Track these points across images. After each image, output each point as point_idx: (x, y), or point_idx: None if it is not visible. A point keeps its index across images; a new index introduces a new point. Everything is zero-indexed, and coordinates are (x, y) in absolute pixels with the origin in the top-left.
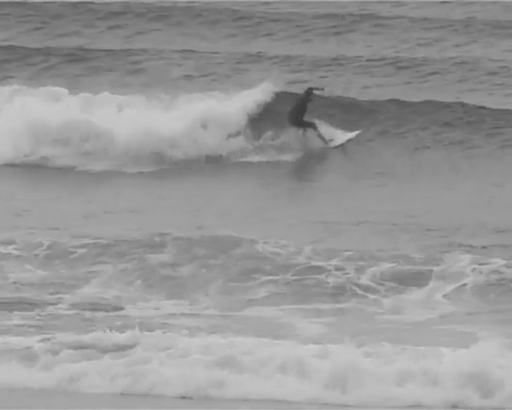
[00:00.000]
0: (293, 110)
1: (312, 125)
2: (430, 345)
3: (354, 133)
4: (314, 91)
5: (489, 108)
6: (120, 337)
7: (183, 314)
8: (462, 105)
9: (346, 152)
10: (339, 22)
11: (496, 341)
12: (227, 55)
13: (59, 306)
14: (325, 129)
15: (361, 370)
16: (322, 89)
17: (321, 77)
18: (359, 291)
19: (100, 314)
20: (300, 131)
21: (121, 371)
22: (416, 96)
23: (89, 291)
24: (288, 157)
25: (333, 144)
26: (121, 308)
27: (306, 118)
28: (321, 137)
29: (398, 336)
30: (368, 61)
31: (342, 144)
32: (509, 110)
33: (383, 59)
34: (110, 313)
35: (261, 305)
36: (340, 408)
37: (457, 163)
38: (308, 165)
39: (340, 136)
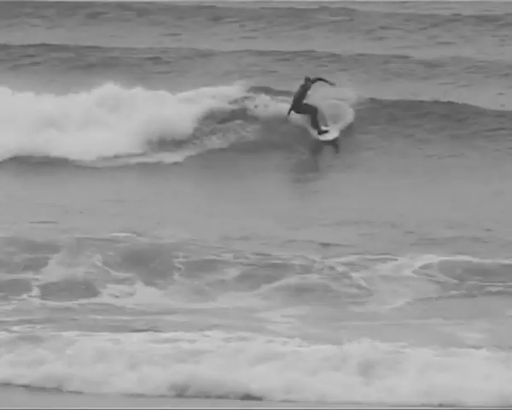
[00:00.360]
0: (298, 98)
1: (313, 111)
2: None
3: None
4: (327, 83)
5: (459, 103)
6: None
7: (151, 303)
8: (434, 102)
9: (322, 149)
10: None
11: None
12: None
13: (29, 293)
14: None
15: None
16: (334, 84)
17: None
18: (331, 273)
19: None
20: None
21: (87, 369)
22: (388, 94)
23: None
24: (265, 154)
25: (323, 137)
26: (92, 295)
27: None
28: (316, 124)
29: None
30: (339, 55)
31: (332, 139)
32: (479, 107)
33: (357, 53)
34: (79, 301)
35: (232, 290)
36: (310, 405)
37: (426, 162)
38: (287, 161)
39: (333, 131)
